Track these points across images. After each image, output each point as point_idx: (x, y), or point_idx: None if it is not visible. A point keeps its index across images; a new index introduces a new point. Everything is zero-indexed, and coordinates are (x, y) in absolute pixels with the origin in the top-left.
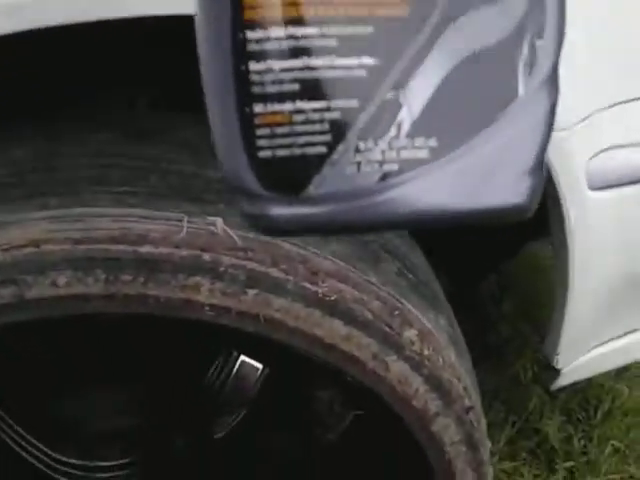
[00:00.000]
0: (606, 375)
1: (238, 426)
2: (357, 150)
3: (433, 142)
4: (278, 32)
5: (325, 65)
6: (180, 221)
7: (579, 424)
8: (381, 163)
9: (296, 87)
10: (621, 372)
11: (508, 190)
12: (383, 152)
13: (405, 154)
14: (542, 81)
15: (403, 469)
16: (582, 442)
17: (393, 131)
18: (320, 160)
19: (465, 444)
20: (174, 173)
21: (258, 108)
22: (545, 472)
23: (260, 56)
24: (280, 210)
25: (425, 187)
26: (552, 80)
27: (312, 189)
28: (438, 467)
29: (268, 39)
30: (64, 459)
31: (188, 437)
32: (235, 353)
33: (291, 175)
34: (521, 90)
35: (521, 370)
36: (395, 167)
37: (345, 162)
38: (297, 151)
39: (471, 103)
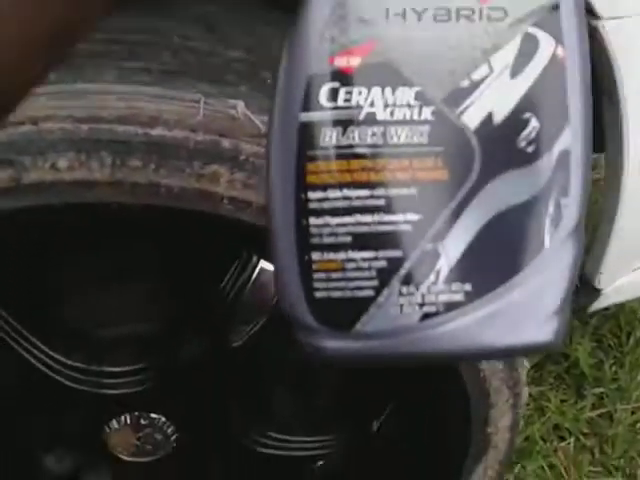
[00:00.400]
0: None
1: (256, 335)
2: (400, 294)
3: (468, 287)
4: (335, 193)
5: (374, 221)
6: (197, 102)
7: (610, 350)
8: (421, 305)
9: (349, 239)
10: None
11: (536, 330)
12: (423, 296)
13: (443, 297)
14: (567, 235)
15: (437, 388)
16: (613, 368)
17: (432, 277)
18: (368, 302)
19: (501, 362)
20: (189, 50)
21: (316, 256)
22: (573, 397)
23: (319, 213)
24: (332, 343)
25: (460, 327)
26: (577, 233)
27: (360, 326)
28: (473, 385)
29: (327, 199)
30: (69, 362)
31: (203, 344)
32: (255, 258)
33: (342, 314)
34: (547, 243)
35: None
36: (434, 309)
37: (389, 304)
38: (348, 293)
39: (502, 253)
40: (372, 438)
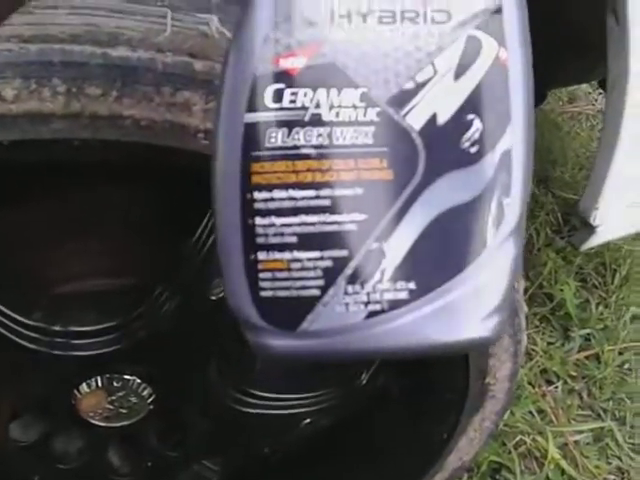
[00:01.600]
0: (624, 236)
1: None
2: (346, 293)
3: (412, 285)
4: (281, 194)
5: (319, 221)
6: (163, 17)
7: (595, 290)
8: (366, 304)
9: (294, 239)
10: None
11: (477, 326)
12: (368, 294)
13: (388, 295)
14: (509, 233)
15: None
16: (599, 308)
17: (377, 276)
18: (314, 301)
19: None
20: None
21: (262, 256)
22: (560, 340)
23: (265, 213)
24: (278, 341)
25: (404, 324)
26: (517, 232)
27: (306, 325)
28: None
29: (272, 199)
30: (30, 323)
31: (178, 298)
32: None
33: (288, 312)
34: (490, 241)
35: (534, 233)
36: (379, 307)
37: (335, 303)
38: (294, 293)
39: (445, 252)
40: (361, 392)
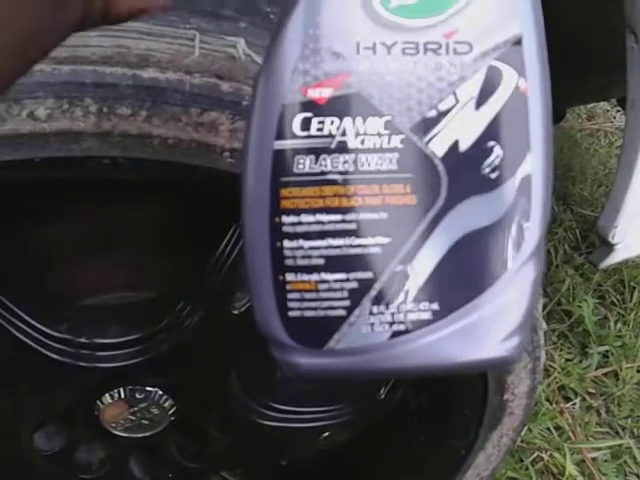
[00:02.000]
0: None
1: None
2: (371, 313)
3: (435, 306)
4: (308, 218)
5: (345, 244)
6: (191, 40)
7: (614, 307)
8: (391, 324)
9: (321, 262)
10: None
11: (498, 346)
12: (393, 315)
13: (411, 316)
14: (528, 256)
15: None
16: (617, 326)
17: (401, 297)
18: (340, 321)
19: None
20: None
21: (290, 277)
22: (578, 356)
23: (293, 236)
24: (305, 359)
25: (427, 344)
26: (537, 255)
27: (333, 344)
28: None
29: (300, 223)
30: (57, 334)
31: (201, 312)
32: None
33: (315, 332)
34: (510, 264)
35: (552, 250)
36: (403, 327)
37: (361, 323)
38: (321, 313)
39: (467, 274)
40: (379, 406)
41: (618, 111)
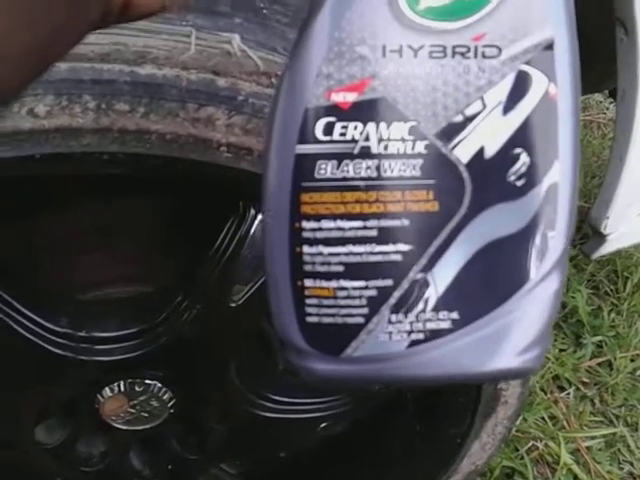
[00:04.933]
0: (635, 245)
1: (256, 294)
2: (389, 321)
3: (455, 315)
4: (329, 224)
5: (366, 251)
6: (188, 36)
7: (607, 297)
8: (409, 332)
9: (341, 268)
10: None
11: (518, 357)
12: (411, 323)
13: (430, 325)
14: (552, 266)
15: None
16: (611, 316)
17: (421, 306)
18: (358, 328)
19: None
20: None
21: (308, 283)
22: (572, 346)
23: (313, 242)
24: (322, 365)
25: (446, 353)
26: (560, 265)
27: (350, 351)
28: None
29: (320, 229)
30: (57, 329)
31: (199, 305)
32: (253, 212)
33: (333, 338)
34: (533, 274)
35: None
36: (421, 336)
37: (379, 331)
38: (339, 320)
39: (489, 283)
40: (376, 397)
41: (611, 102)
